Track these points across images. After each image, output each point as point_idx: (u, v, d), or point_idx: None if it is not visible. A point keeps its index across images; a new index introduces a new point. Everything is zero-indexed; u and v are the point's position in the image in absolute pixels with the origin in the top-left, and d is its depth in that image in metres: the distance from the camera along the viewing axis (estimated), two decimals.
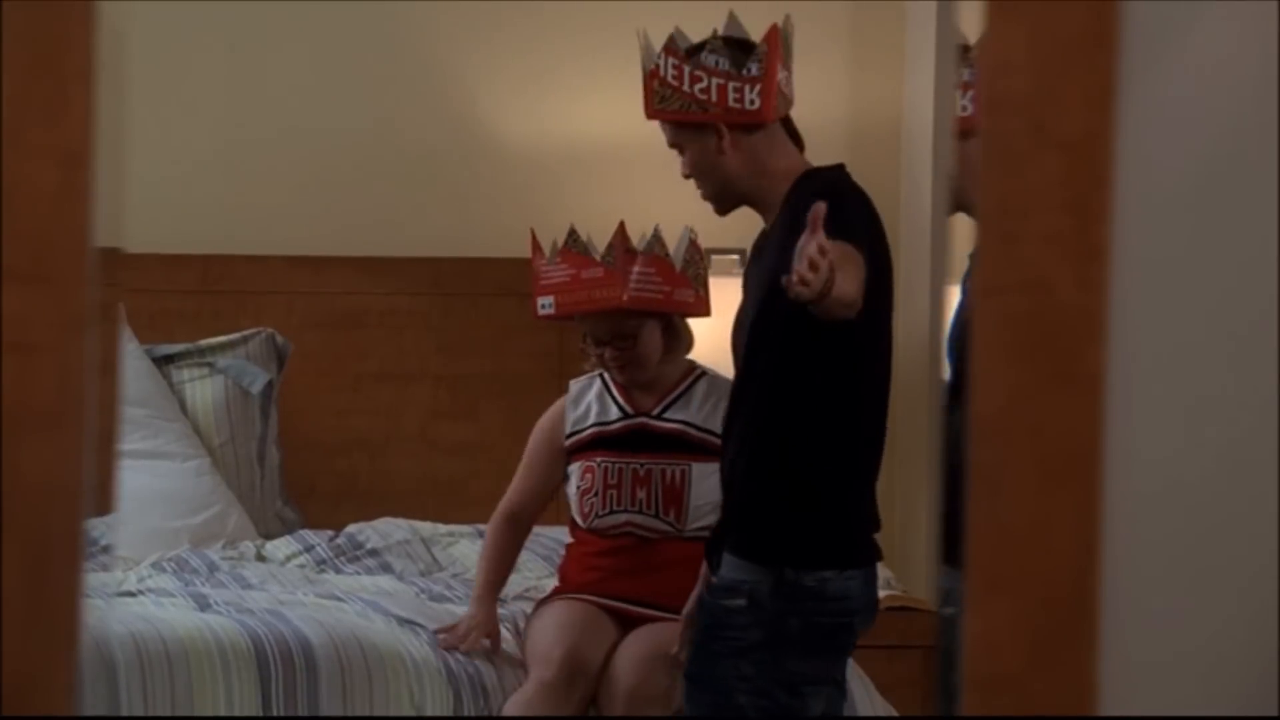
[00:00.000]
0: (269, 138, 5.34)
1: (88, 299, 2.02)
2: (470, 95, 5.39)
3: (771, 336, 3.39)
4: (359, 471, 5.20)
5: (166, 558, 4.59)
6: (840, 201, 3.32)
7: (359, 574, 4.65)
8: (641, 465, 3.95)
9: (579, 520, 4.03)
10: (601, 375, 4.06)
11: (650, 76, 3.50)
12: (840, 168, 3.53)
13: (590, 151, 5.36)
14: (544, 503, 4.12)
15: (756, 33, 3.52)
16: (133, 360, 4.90)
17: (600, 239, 4.02)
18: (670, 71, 3.50)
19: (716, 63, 3.48)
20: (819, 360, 3.37)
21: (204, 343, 5.07)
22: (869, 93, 5.42)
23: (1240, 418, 2.09)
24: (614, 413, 4.00)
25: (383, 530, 4.83)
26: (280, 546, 4.78)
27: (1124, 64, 2.05)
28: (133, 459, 4.65)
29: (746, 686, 3.36)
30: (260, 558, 4.73)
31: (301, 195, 5.35)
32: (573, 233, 3.98)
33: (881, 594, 4.86)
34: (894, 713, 4.11)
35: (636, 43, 3.55)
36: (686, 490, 3.92)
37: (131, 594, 4.25)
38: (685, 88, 3.49)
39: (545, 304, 4.00)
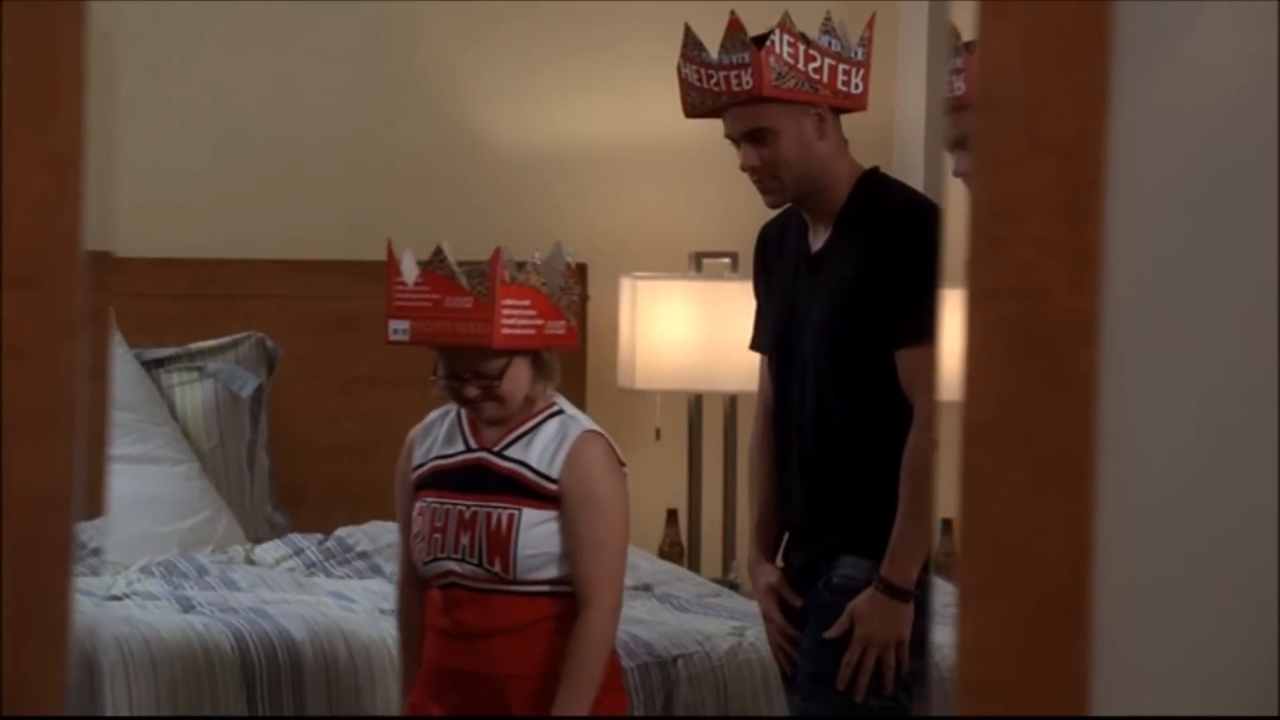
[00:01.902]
0: (259, 142, 5.34)
1: (78, 303, 2.01)
2: (459, 99, 5.38)
3: (857, 353, 3.41)
4: (349, 476, 5.20)
5: (156, 562, 4.59)
6: (920, 254, 3.30)
7: (349, 577, 4.65)
8: (468, 507, 3.47)
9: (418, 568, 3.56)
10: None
11: (761, 53, 3.41)
12: (893, 180, 3.54)
13: (579, 155, 5.36)
14: None
15: (752, 27, 3.52)
16: (122, 364, 4.89)
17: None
18: (786, 49, 3.43)
19: (829, 43, 3.47)
20: (894, 374, 3.42)
21: (194, 347, 5.07)
22: None
23: (1234, 420, 2.08)
24: (457, 445, 3.54)
25: (372, 533, 4.83)
26: (270, 550, 4.78)
27: (1117, 66, 2.04)
28: (122, 463, 4.64)
29: (874, 686, 3.41)
30: (250, 561, 4.73)
31: (291, 199, 5.35)
32: (439, 252, 3.47)
33: None
34: None
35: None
36: (514, 537, 3.42)
37: (119, 598, 4.25)
38: (801, 65, 3.45)
39: (399, 329, 3.50)
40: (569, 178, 5.34)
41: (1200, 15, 2.07)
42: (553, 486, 3.43)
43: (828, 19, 3.48)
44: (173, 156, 5.24)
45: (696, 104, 3.50)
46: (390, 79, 5.40)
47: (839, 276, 3.43)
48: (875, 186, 3.50)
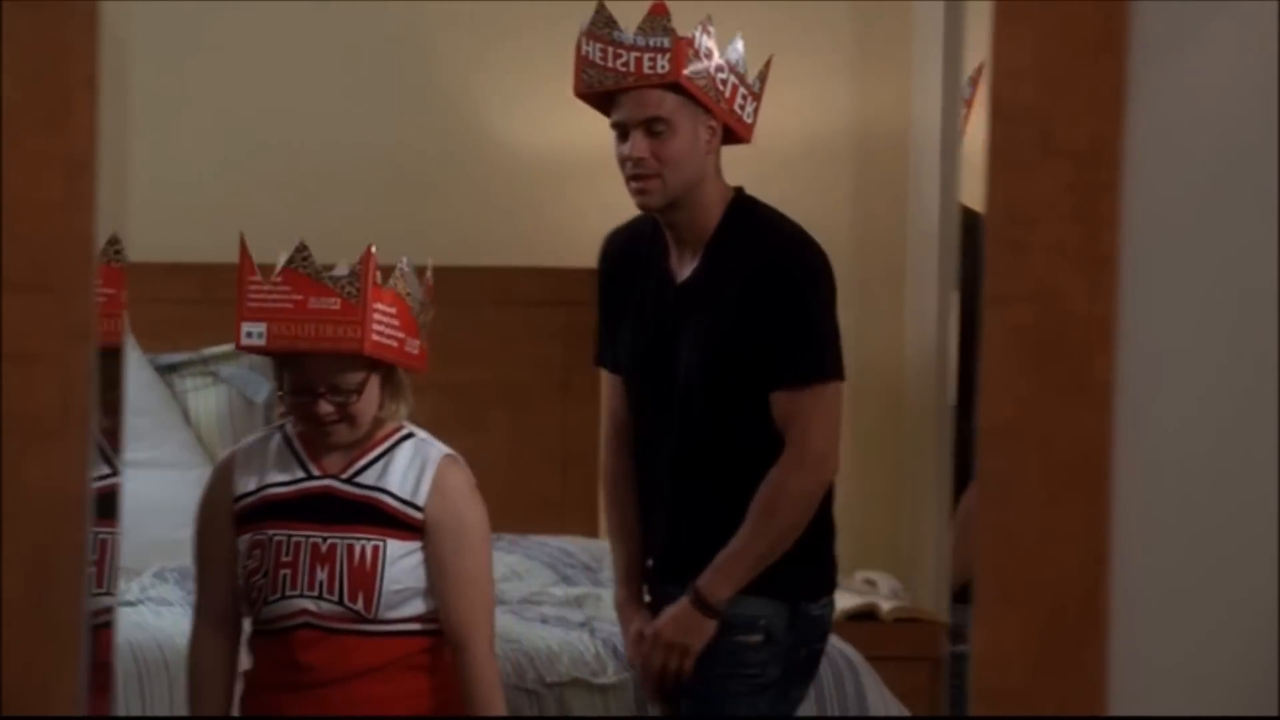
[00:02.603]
0: (272, 147, 5.33)
1: (90, 308, 2.01)
2: (472, 103, 5.38)
3: (739, 389, 3.34)
4: None
5: (169, 568, 4.58)
6: (804, 294, 3.32)
7: None
8: (324, 539, 3.16)
9: (247, 610, 3.22)
10: (282, 428, 3.29)
11: (682, 40, 3.31)
12: (765, 206, 3.44)
13: (592, 158, 5.35)
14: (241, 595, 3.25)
15: (761, 38, 3.50)
16: (136, 370, 4.89)
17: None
18: (705, 45, 3.34)
19: (738, 63, 3.40)
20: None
21: (207, 352, 5.06)
22: (875, 99, 5.41)
23: (1250, 426, 2.08)
24: (295, 473, 3.22)
25: None
26: None
27: (1132, 70, 2.04)
28: (136, 468, 4.64)
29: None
30: None
31: (304, 204, 5.34)
32: (302, 248, 3.19)
33: (888, 606, 4.87)
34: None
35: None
36: (379, 571, 3.15)
37: (132, 603, 4.25)
38: (712, 70, 3.35)
39: (253, 332, 3.17)
40: (582, 182, 5.33)
41: (1216, 19, 2.06)
42: (418, 515, 3.18)
43: (737, 40, 3.40)
44: (185, 161, 5.24)
45: (594, 82, 3.35)
46: (407, 84, 5.39)
47: (717, 309, 3.34)
48: (749, 213, 3.41)
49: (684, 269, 3.41)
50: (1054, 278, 2.04)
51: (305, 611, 3.16)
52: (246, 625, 3.28)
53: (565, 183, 5.35)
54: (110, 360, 2.36)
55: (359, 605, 3.15)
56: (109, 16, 2.04)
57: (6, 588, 1.99)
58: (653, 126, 3.34)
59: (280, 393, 3.21)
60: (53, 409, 2.00)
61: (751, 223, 3.41)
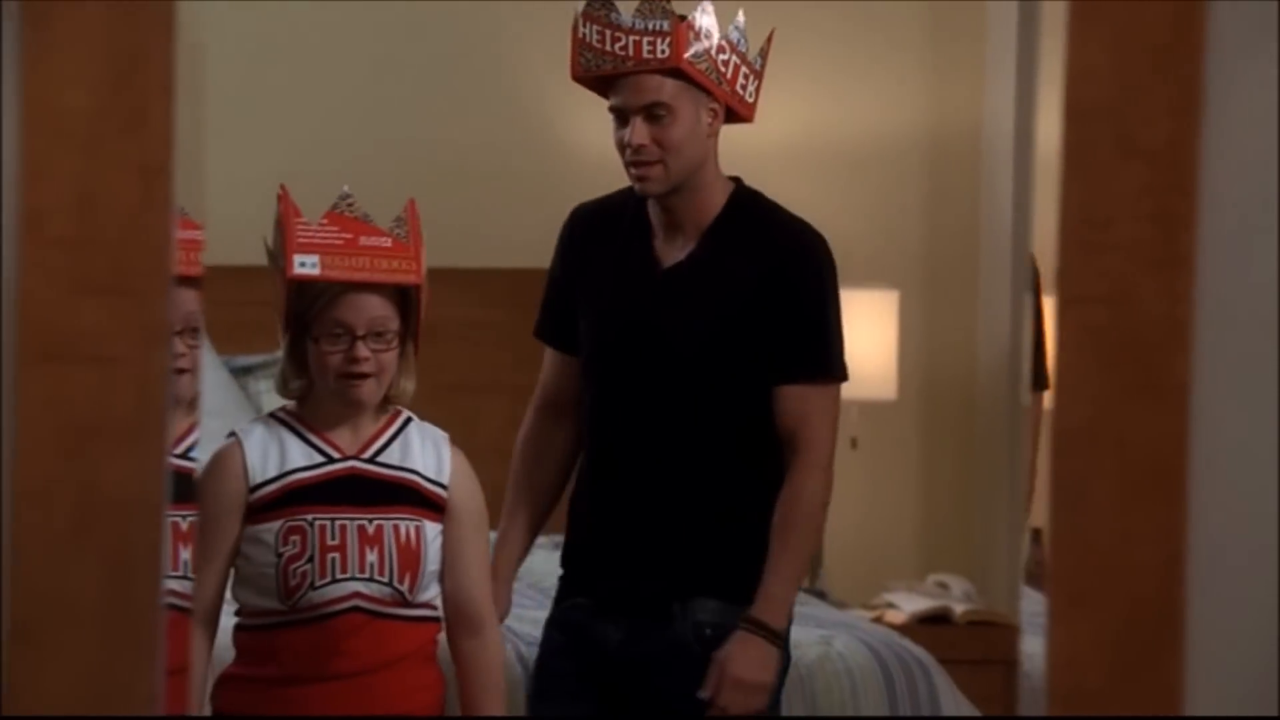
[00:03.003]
0: (344, 149, 5.36)
1: (167, 311, 2.02)
2: (546, 105, 5.39)
3: (737, 382, 3.28)
4: None
5: None
6: (822, 289, 3.27)
7: None
8: (370, 520, 3.11)
9: (279, 598, 3.11)
10: (275, 415, 3.21)
11: (682, 23, 3.23)
12: (769, 199, 3.37)
13: None
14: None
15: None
16: (211, 372, 4.92)
17: None
18: (704, 25, 3.25)
19: (739, 41, 3.30)
20: (767, 408, 3.30)
21: (281, 354, 5.08)
22: (948, 100, 5.40)
23: None
24: (314, 457, 3.15)
25: None
26: None
27: (1209, 69, 2.02)
28: None
29: None
30: None
31: (377, 206, 5.36)
32: (346, 196, 3.16)
33: (961, 608, 4.85)
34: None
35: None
36: (423, 551, 3.12)
37: None
38: (713, 51, 3.27)
39: (307, 263, 3.07)
40: None
41: None
42: (444, 495, 3.17)
43: (738, 16, 3.31)
44: (260, 164, 5.26)
45: (592, 65, 3.25)
46: (477, 86, 5.41)
47: (718, 296, 3.27)
48: (756, 204, 3.34)
49: (674, 253, 3.32)
50: (1129, 279, 2.03)
51: (357, 594, 3.11)
52: (226, 620, 3.20)
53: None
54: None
55: (405, 586, 3.12)
56: (185, 20, 2.05)
57: (84, 590, 2.01)
58: (653, 111, 3.25)
59: (317, 338, 3.11)
60: (130, 411, 2.01)
61: (758, 212, 3.34)
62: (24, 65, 2.00)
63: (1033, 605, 3.21)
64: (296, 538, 3.10)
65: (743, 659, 3.22)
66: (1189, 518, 2.03)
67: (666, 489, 3.28)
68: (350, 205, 3.15)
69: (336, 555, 3.10)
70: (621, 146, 3.29)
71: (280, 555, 3.10)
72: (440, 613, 3.20)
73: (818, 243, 3.33)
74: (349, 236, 3.11)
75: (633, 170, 3.29)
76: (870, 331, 5.12)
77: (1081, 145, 2.04)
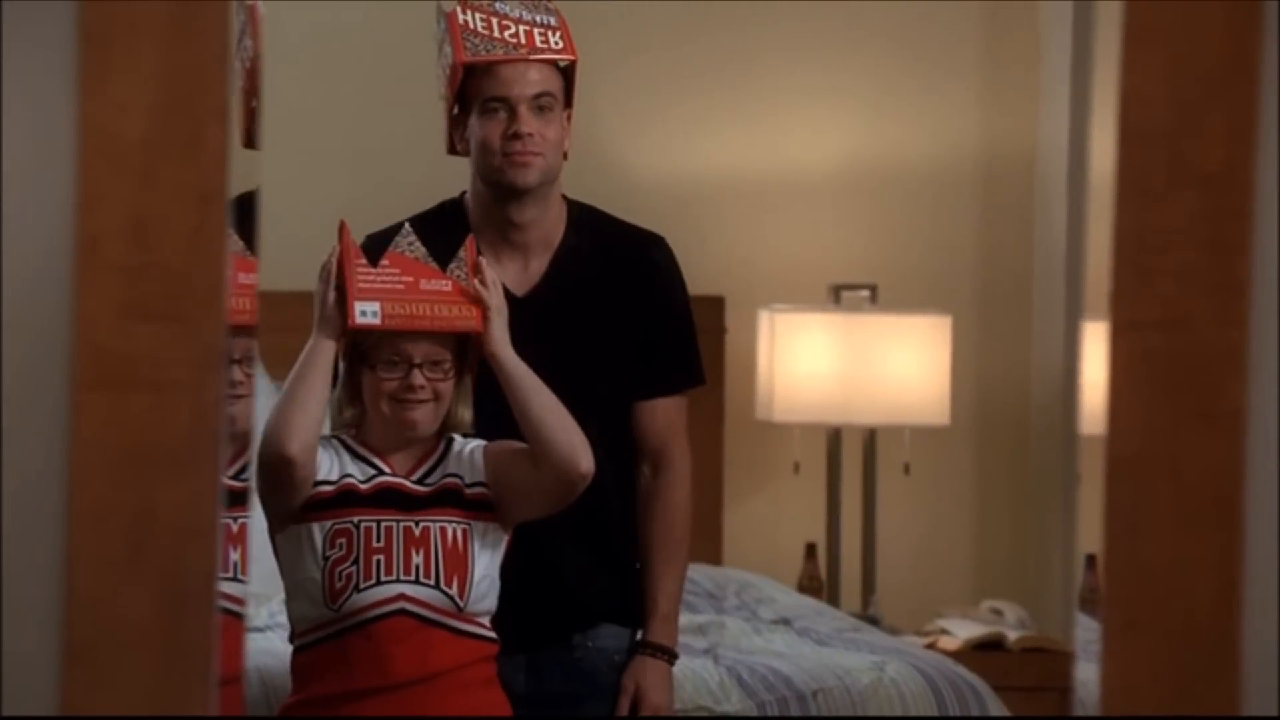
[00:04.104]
0: (399, 174, 5.37)
1: (222, 336, 2.03)
2: (599, 130, 5.40)
3: (614, 399, 3.27)
4: None
5: None
6: (682, 299, 3.27)
7: None
8: (417, 523, 3.09)
9: (325, 602, 3.09)
10: (334, 435, 3.20)
11: (558, 15, 3.19)
12: (603, 211, 3.35)
13: (719, 186, 5.35)
14: None
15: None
16: (265, 398, 4.93)
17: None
18: (554, 21, 3.22)
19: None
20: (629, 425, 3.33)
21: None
22: (1002, 123, 5.39)
23: None
24: (367, 470, 3.15)
25: None
26: None
27: (1264, 94, 2.01)
28: None
29: None
30: None
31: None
32: (407, 234, 3.15)
33: (1015, 635, 4.83)
34: None
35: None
36: (471, 554, 3.09)
37: (260, 629, 4.28)
38: (568, 51, 3.23)
39: (367, 311, 3.08)
40: (708, 209, 5.34)
41: None
42: (486, 491, 3.12)
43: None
44: (315, 190, 5.28)
45: (480, 50, 3.17)
46: None
47: (586, 324, 3.23)
48: (594, 218, 3.31)
49: (524, 278, 3.26)
50: (1184, 304, 2.02)
51: (402, 597, 3.07)
52: (284, 648, 3.20)
53: (692, 210, 5.36)
54: None
55: (454, 590, 3.07)
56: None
57: (139, 613, 2.02)
58: (541, 103, 3.19)
59: (373, 368, 3.11)
60: (184, 437, 2.02)
61: (601, 228, 3.31)
62: (80, 91, 2.01)
63: (1087, 632, 3.18)
64: (343, 540, 3.08)
65: (659, 686, 3.25)
66: (1244, 543, 2.02)
67: (556, 519, 3.16)
68: (411, 245, 3.13)
69: (381, 557, 3.07)
70: (498, 139, 3.20)
71: (326, 559, 3.09)
72: (494, 635, 3.14)
73: (667, 251, 3.34)
74: (409, 280, 3.10)
75: (516, 159, 3.18)
76: (923, 357, 5.11)
77: (1136, 170, 2.03)
